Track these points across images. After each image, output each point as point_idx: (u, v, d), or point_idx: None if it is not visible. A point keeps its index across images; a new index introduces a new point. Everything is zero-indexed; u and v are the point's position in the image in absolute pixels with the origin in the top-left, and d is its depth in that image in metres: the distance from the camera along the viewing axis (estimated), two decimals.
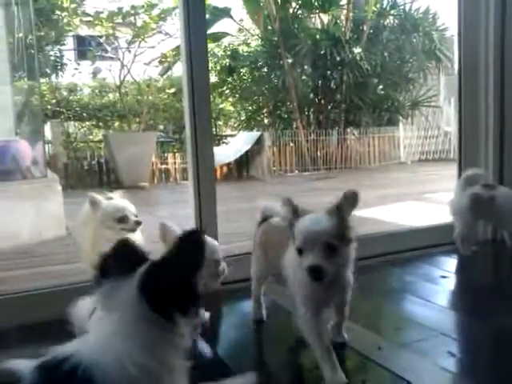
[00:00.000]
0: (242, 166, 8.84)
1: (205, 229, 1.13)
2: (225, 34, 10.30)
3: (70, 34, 9.51)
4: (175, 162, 8.50)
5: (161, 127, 9.77)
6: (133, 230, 2.28)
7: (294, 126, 9.70)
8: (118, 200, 2.33)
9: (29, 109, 5.40)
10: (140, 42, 8.66)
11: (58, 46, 9.51)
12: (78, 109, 9.19)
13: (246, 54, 10.45)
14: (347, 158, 9.45)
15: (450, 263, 2.59)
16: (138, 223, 2.27)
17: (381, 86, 10.06)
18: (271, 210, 1.78)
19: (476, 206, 2.56)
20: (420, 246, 2.72)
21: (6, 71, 5.00)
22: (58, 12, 8.75)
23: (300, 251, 1.34)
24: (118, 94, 9.08)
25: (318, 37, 9.44)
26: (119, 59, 8.77)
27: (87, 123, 9.39)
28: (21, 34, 4.90)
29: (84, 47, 9.62)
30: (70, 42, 10.06)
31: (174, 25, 8.75)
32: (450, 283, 2.32)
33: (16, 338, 1.81)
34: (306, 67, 10.05)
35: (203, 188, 2.27)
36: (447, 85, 10.21)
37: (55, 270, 3.13)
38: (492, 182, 2.72)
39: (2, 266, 3.20)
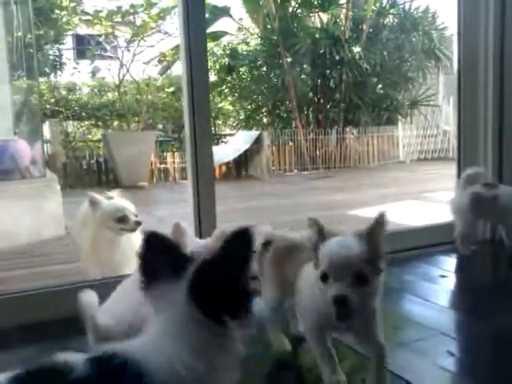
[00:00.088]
0: (241, 166, 8.83)
1: (254, 227, 1.07)
2: (224, 33, 10.29)
3: (69, 33, 9.49)
4: (174, 162, 8.48)
5: (160, 126, 9.75)
6: (133, 230, 2.28)
7: (293, 125, 9.70)
8: (118, 200, 2.33)
9: (28, 108, 5.39)
10: (139, 41, 8.65)
11: (57, 45, 9.49)
12: (76, 108, 9.17)
13: (245, 53, 10.44)
14: (346, 157, 9.45)
15: (449, 262, 2.59)
16: (138, 223, 2.27)
17: (380, 85, 10.06)
18: (272, 235, 1.64)
19: (477, 204, 2.56)
20: (419, 245, 2.72)
21: (5, 70, 4.99)
22: (57, 11, 8.74)
23: (324, 277, 1.21)
24: (117, 93, 9.06)
25: (317, 36, 9.43)
26: (118, 58, 8.76)
27: (86, 122, 9.37)
28: (20, 33, 4.89)
29: (83, 46, 9.60)
30: (69, 41, 10.05)
31: (174, 24, 8.74)
32: (449, 282, 2.32)
33: (15, 338, 1.81)
34: (305, 66, 10.05)
35: (202, 187, 2.27)
36: (446, 84, 10.21)
37: (54, 270, 3.13)
38: (492, 180, 2.72)
39: (1, 266, 3.20)
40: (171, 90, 9.45)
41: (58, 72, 9.64)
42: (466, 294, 2.20)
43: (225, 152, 8.51)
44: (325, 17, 9.76)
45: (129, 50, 8.74)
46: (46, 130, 7.99)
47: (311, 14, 10.00)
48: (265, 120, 10.59)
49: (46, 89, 8.78)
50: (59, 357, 0.84)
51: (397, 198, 5.57)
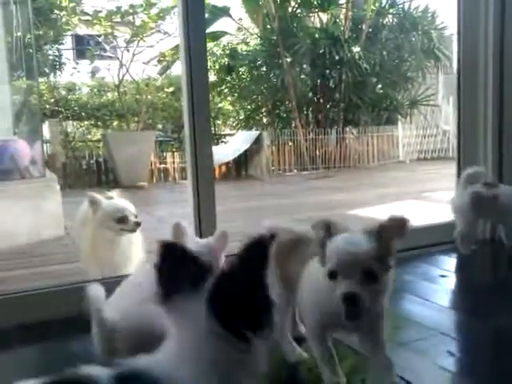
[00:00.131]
0: (241, 166, 8.83)
1: (272, 236, 1.04)
2: (224, 33, 10.29)
3: (69, 33, 9.50)
4: (174, 162, 8.48)
5: (159, 126, 9.76)
6: (132, 231, 2.28)
7: (293, 125, 9.70)
8: (117, 200, 2.33)
9: (27, 108, 5.39)
10: (139, 41, 8.65)
11: (57, 46, 9.50)
12: (76, 108, 9.17)
13: (244, 53, 10.44)
14: (346, 157, 9.46)
15: (449, 262, 2.59)
16: (138, 224, 2.27)
17: (379, 85, 10.06)
18: (276, 228, 1.61)
19: (477, 204, 2.56)
20: (419, 244, 2.71)
21: (5, 70, 4.99)
22: (56, 11, 8.74)
23: (332, 275, 1.19)
24: (116, 94, 9.06)
25: (316, 36, 9.43)
26: (118, 58, 8.76)
27: (86, 122, 9.37)
28: (19, 33, 4.89)
29: (83, 46, 9.60)
30: (68, 42, 10.05)
31: (173, 24, 8.74)
32: (449, 282, 2.32)
33: (15, 338, 1.81)
34: (304, 66, 10.05)
35: (202, 187, 2.26)
36: (446, 84, 10.22)
37: (54, 270, 3.13)
38: (493, 180, 2.72)
39: (1, 266, 3.20)
40: (171, 90, 9.45)
41: (58, 72, 9.65)
42: (465, 293, 2.20)
43: (225, 152, 8.51)
44: (324, 17, 9.76)
45: (128, 50, 8.75)
46: (46, 130, 7.99)
47: (311, 14, 10.01)
48: (264, 120, 10.59)
49: (45, 89, 8.78)
50: (83, 370, 0.83)
51: (397, 197, 5.57)
